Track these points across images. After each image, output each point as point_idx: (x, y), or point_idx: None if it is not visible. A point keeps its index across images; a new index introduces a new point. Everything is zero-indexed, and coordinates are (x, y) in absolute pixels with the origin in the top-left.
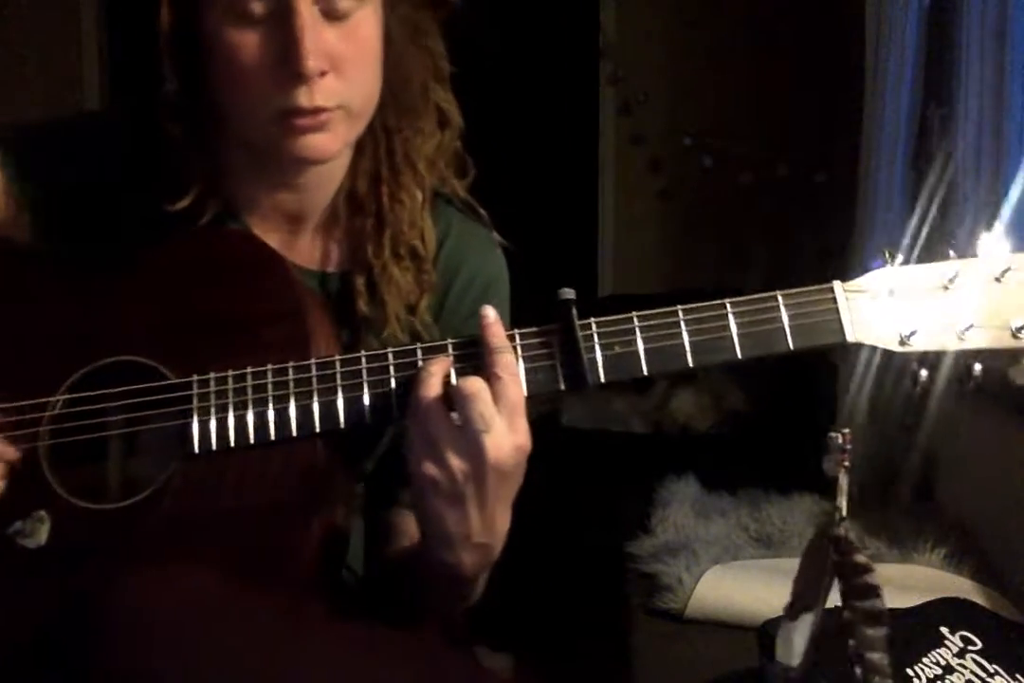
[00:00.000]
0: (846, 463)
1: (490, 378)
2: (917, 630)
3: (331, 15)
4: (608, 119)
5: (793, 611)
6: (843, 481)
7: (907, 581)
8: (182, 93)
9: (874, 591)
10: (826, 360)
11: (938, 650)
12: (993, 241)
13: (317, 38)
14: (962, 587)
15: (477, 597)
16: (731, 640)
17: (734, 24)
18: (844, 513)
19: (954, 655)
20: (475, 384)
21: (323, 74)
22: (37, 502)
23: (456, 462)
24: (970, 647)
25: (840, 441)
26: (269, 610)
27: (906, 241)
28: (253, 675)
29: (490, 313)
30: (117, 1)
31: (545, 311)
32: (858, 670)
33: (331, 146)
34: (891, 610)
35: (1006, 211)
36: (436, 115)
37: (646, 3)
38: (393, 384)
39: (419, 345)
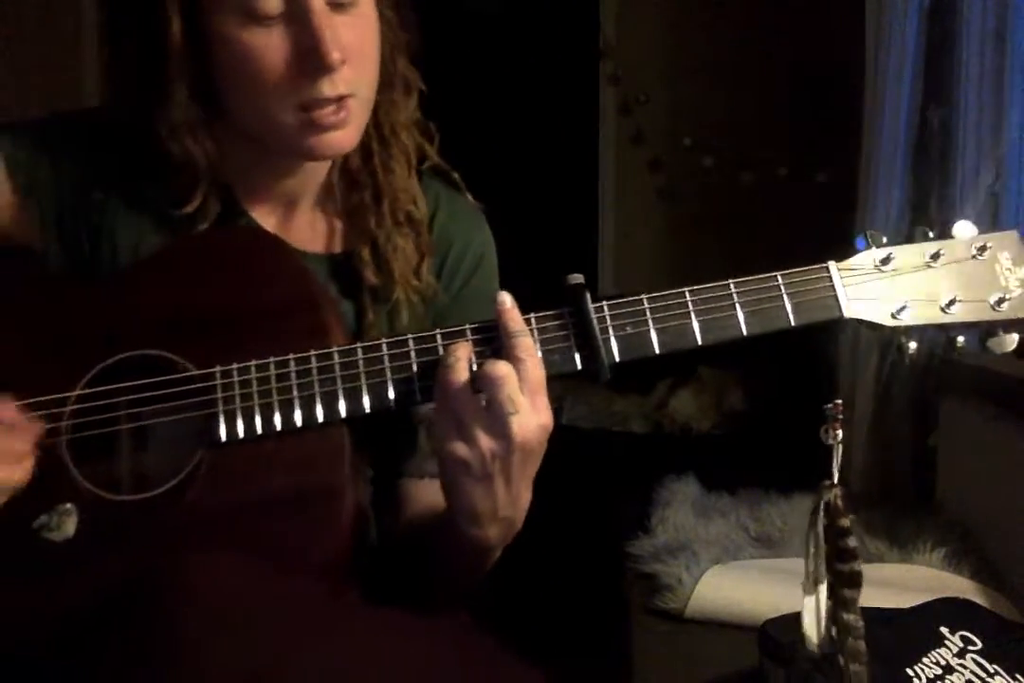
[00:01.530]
0: (839, 431)
1: (512, 361)
2: (917, 630)
3: (337, 7)
4: (608, 119)
5: (808, 585)
6: (837, 449)
7: (907, 581)
8: (191, 100)
9: (852, 554)
10: (826, 360)
11: (938, 650)
12: (967, 225)
13: (332, 31)
14: (962, 587)
15: (491, 567)
16: (731, 640)
17: (734, 24)
18: (835, 480)
19: (954, 655)
20: (503, 368)
21: (343, 63)
22: (61, 496)
23: (486, 442)
24: (970, 647)
25: (833, 411)
26: (312, 594)
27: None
28: (301, 655)
29: (507, 299)
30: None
31: (546, 308)
32: (834, 630)
33: (352, 139)
34: (891, 610)
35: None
36: (403, 83)
37: (646, 3)
38: (415, 369)
39: (439, 331)
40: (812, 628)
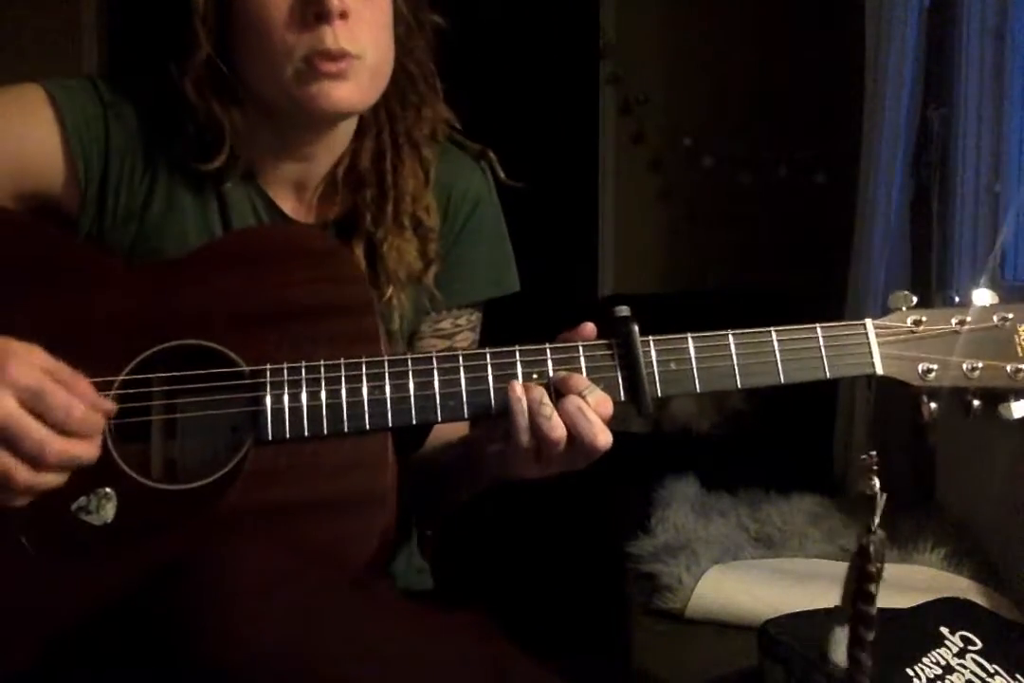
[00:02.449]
0: (874, 481)
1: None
2: (917, 630)
3: None
4: (608, 119)
5: (841, 615)
6: (879, 499)
7: (907, 581)
8: (212, 58)
9: (871, 598)
10: None
11: (938, 650)
12: (986, 294)
13: None
14: (962, 587)
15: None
16: (731, 640)
17: (734, 24)
18: (874, 527)
19: (954, 655)
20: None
21: (343, 16)
22: (101, 480)
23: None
24: (970, 647)
25: (868, 462)
26: (346, 589)
27: (907, 245)
28: (330, 648)
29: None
30: None
31: (549, 314)
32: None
33: (351, 96)
34: (891, 610)
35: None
36: (427, 102)
37: (646, 3)
38: (464, 385)
39: (488, 350)
40: (839, 653)
